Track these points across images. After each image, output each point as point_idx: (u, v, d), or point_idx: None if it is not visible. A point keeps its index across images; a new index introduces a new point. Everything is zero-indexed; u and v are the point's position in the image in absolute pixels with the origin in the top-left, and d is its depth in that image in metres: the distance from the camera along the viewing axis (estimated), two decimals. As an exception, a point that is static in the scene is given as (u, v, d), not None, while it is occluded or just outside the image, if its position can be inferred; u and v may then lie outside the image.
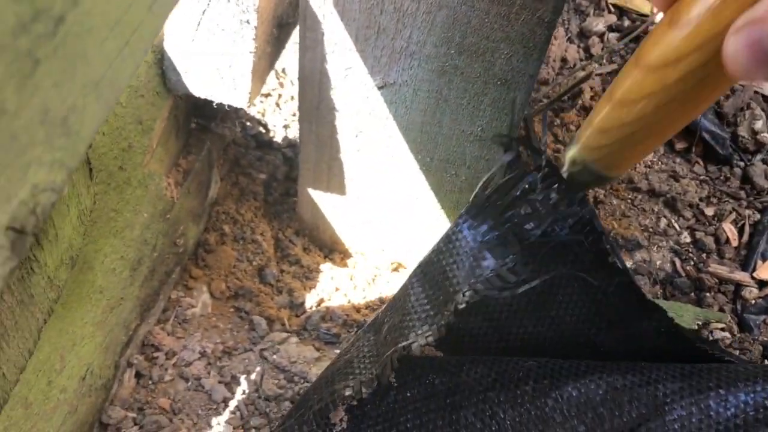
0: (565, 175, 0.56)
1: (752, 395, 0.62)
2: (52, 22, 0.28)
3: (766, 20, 0.31)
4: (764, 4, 0.32)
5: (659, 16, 1.29)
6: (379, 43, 0.75)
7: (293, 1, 0.82)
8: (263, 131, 1.14)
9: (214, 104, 0.81)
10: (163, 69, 0.78)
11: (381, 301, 0.98)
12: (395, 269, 1.01)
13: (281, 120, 1.16)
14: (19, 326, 0.55)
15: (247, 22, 0.72)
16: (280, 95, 1.19)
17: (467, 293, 0.58)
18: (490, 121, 0.79)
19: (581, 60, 1.23)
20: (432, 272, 0.64)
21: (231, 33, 0.73)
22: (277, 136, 1.15)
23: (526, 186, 0.58)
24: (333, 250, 1.04)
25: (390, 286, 1.00)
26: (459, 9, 0.70)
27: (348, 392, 0.63)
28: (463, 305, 0.58)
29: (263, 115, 1.16)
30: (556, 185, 0.57)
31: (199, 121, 0.95)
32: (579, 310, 0.69)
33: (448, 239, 0.63)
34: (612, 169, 0.52)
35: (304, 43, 0.78)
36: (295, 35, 0.85)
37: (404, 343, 0.61)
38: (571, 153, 0.53)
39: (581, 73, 1.17)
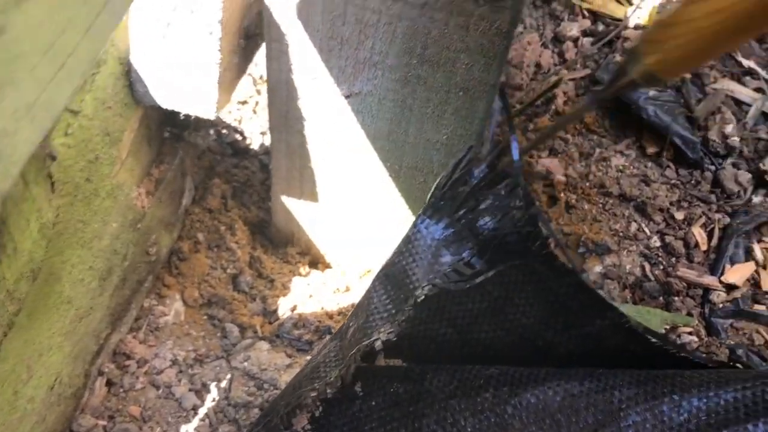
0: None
1: (705, 401, 0.63)
2: (-25, 51, 0.29)
3: None
4: None
5: (633, 21, 1.30)
6: (343, 53, 0.76)
7: (260, 12, 0.82)
8: (239, 138, 1.15)
9: (181, 115, 0.82)
10: (131, 81, 0.78)
11: (353, 306, 0.98)
12: (367, 276, 1.02)
13: (258, 127, 1.17)
14: (-23, 339, 0.55)
15: (211, 33, 0.73)
16: (257, 102, 1.19)
17: (425, 287, 0.60)
18: (454, 129, 0.80)
19: (555, 65, 1.24)
20: (393, 273, 0.66)
21: (195, 45, 0.74)
22: (254, 143, 1.15)
23: (476, 181, 0.60)
24: (307, 257, 1.04)
25: (362, 292, 1.00)
26: (419, 20, 0.71)
27: (313, 394, 0.64)
28: (422, 297, 0.60)
29: (240, 122, 1.17)
30: (505, 181, 0.60)
31: (171, 131, 0.96)
32: (535, 312, 0.71)
33: (407, 240, 0.65)
34: (665, 71, 0.59)
35: (270, 53, 0.79)
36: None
37: (366, 341, 0.62)
38: (633, 48, 0.59)
39: (554, 78, 1.18)
